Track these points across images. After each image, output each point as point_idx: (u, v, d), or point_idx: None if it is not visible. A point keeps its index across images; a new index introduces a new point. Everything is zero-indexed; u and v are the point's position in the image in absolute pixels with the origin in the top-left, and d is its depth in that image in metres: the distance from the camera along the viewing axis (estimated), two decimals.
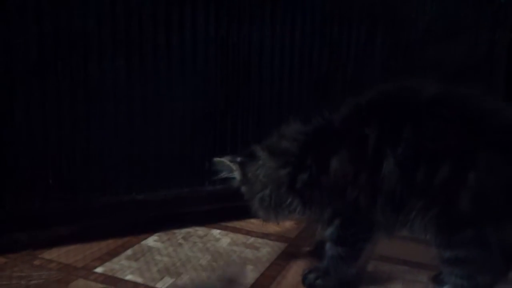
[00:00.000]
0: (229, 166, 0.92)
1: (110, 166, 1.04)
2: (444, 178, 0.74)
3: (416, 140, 0.76)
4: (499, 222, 0.75)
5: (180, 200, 1.13)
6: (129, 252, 1.01)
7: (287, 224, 1.19)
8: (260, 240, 1.09)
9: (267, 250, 1.03)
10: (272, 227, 1.16)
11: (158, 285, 0.87)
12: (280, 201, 0.88)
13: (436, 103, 0.77)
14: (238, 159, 0.92)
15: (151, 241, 1.07)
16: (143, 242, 1.06)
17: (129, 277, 0.90)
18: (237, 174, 0.92)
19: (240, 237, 1.10)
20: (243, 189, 0.92)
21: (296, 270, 0.94)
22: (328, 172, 0.82)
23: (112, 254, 0.99)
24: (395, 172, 0.76)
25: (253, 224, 1.19)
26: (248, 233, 1.13)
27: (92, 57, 0.98)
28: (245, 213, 1.22)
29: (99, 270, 0.92)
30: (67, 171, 1.00)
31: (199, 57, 1.07)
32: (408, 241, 1.07)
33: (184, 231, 1.13)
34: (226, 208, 1.23)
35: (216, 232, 1.13)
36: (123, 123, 1.04)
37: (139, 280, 0.88)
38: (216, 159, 0.93)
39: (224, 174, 0.94)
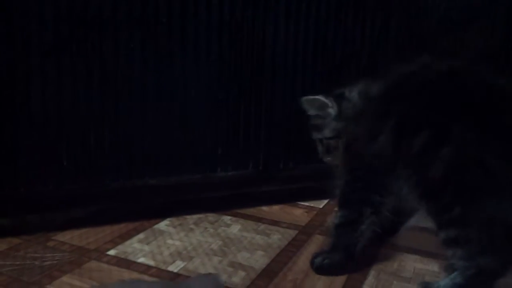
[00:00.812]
0: (323, 103, 0.98)
1: (123, 150, 1.05)
2: (420, 149, 0.75)
3: (405, 111, 0.79)
4: (480, 200, 0.73)
5: (192, 186, 1.14)
6: (141, 235, 1.02)
7: (298, 212, 1.19)
8: (271, 227, 1.09)
9: (277, 236, 1.04)
10: (283, 215, 1.17)
11: (170, 268, 0.87)
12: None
13: (435, 78, 0.81)
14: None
15: (163, 225, 1.08)
16: (155, 227, 1.07)
17: (141, 259, 0.90)
18: (333, 110, 0.98)
19: (251, 224, 1.11)
20: (335, 125, 0.98)
21: (306, 256, 0.94)
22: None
23: (125, 237, 1.00)
24: (388, 140, 0.80)
25: (264, 211, 1.19)
26: (259, 220, 1.13)
27: (107, 40, 0.98)
28: (256, 200, 1.24)
29: (111, 252, 0.93)
30: (82, 154, 1.01)
31: (213, 42, 1.07)
32: (419, 231, 1.07)
33: (195, 216, 1.14)
34: (238, 195, 1.24)
35: (227, 218, 1.14)
36: (137, 108, 1.04)
37: (151, 263, 0.89)
38: (306, 97, 1.00)
39: (312, 112, 1.01)
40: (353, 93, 0.98)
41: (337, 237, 0.89)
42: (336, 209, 0.92)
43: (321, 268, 0.88)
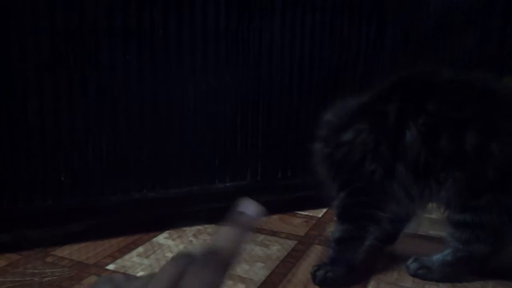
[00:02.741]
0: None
1: (121, 164, 1.05)
2: (470, 146, 0.80)
3: (438, 111, 0.82)
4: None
5: (191, 198, 1.14)
6: (140, 249, 1.02)
7: (297, 222, 1.19)
8: (270, 237, 1.09)
9: (277, 247, 1.04)
10: (281, 225, 1.17)
11: None
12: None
13: (454, 82, 0.85)
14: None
15: (162, 238, 1.08)
16: (154, 240, 1.07)
17: (140, 274, 0.90)
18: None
19: (250, 235, 1.10)
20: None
21: (306, 267, 0.94)
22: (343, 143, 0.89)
23: (124, 251, 1.00)
24: (417, 140, 0.82)
25: (262, 221, 1.19)
26: (258, 230, 1.13)
27: (103, 52, 0.99)
28: None
29: (110, 267, 0.93)
30: (79, 168, 1.01)
31: (210, 52, 1.08)
32: (418, 239, 1.07)
33: (194, 228, 1.14)
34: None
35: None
36: (135, 120, 1.04)
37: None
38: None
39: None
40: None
41: (338, 252, 0.89)
42: (336, 220, 0.92)
43: (324, 281, 0.88)
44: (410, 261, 0.92)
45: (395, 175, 0.85)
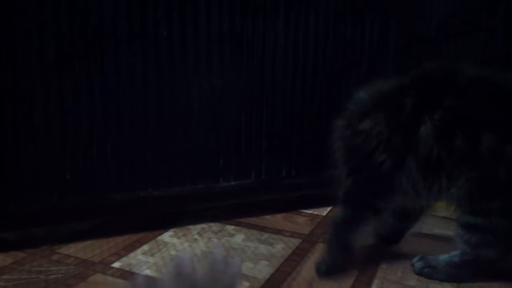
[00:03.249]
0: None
1: (126, 162, 1.05)
2: (486, 148, 0.79)
3: (456, 108, 0.82)
4: None
5: (195, 196, 1.14)
6: (145, 247, 1.02)
7: (301, 220, 1.20)
8: (274, 236, 1.10)
9: (281, 246, 1.04)
10: (286, 224, 1.17)
11: None
12: None
13: (476, 80, 0.84)
14: None
15: (167, 236, 1.08)
16: (159, 238, 1.07)
17: (145, 272, 0.91)
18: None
19: (255, 233, 1.11)
20: None
21: (310, 266, 0.94)
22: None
23: (129, 249, 1.01)
24: (431, 135, 0.82)
25: (267, 220, 1.19)
26: (263, 229, 1.14)
27: (108, 54, 0.99)
28: (259, 209, 1.24)
29: (116, 265, 0.94)
30: (85, 167, 1.02)
31: (214, 53, 1.08)
32: (423, 238, 1.07)
33: (199, 226, 1.14)
34: (240, 204, 1.24)
35: (230, 228, 1.14)
36: (139, 120, 1.05)
37: (156, 275, 0.90)
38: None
39: None
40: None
41: (335, 234, 0.92)
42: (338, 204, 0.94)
43: (326, 272, 0.90)
44: (415, 259, 0.92)
45: (404, 168, 0.85)
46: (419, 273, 0.90)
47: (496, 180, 0.79)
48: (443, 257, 0.89)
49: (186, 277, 0.50)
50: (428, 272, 0.90)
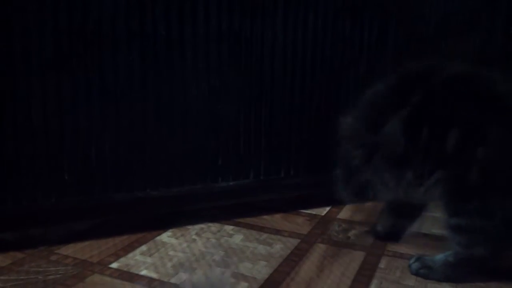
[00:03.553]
0: None
1: (124, 162, 1.05)
2: (451, 147, 0.79)
3: (424, 106, 0.83)
4: (504, 197, 0.79)
5: (194, 197, 1.14)
6: (143, 247, 1.02)
7: (300, 220, 1.20)
8: (273, 236, 1.09)
9: (280, 246, 1.04)
10: (285, 224, 1.17)
11: (173, 280, 0.88)
12: None
13: (453, 78, 0.84)
14: None
15: (165, 237, 1.08)
16: (157, 238, 1.07)
17: (144, 272, 0.91)
18: None
19: (253, 233, 1.11)
20: None
21: (309, 266, 0.94)
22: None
23: (127, 250, 1.00)
24: (398, 131, 0.83)
25: (266, 220, 1.19)
26: (261, 229, 1.14)
27: (107, 54, 0.99)
28: (258, 209, 1.24)
29: (114, 265, 0.93)
30: (83, 167, 1.02)
31: (212, 52, 1.08)
32: (422, 237, 1.07)
33: (197, 227, 1.14)
34: (239, 204, 1.24)
35: (229, 228, 1.14)
36: (138, 120, 1.05)
37: (154, 275, 0.89)
38: None
39: None
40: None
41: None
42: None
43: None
44: (412, 260, 0.92)
45: (372, 162, 0.89)
46: (416, 273, 0.90)
47: (467, 181, 0.79)
48: (439, 257, 0.89)
49: None
50: (425, 272, 0.89)
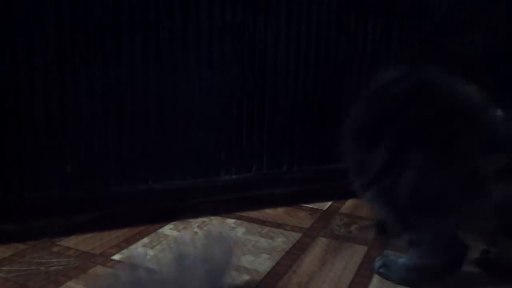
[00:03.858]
0: None
1: (127, 155, 1.05)
2: (381, 167, 0.81)
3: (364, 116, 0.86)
4: (434, 217, 0.80)
5: (196, 190, 1.14)
6: (145, 240, 1.02)
7: (302, 214, 1.20)
8: (275, 229, 1.09)
9: (282, 239, 1.04)
10: (287, 218, 1.17)
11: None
12: None
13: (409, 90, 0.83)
14: None
15: (167, 229, 1.08)
16: (160, 231, 1.07)
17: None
18: None
19: (255, 227, 1.11)
20: None
21: (311, 259, 0.94)
22: None
23: (129, 242, 1.01)
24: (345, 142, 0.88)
25: (268, 214, 1.19)
26: (263, 222, 1.14)
27: (109, 46, 0.99)
28: (260, 202, 1.24)
29: (116, 257, 0.94)
30: (85, 159, 1.02)
31: (215, 46, 1.08)
32: None
33: (199, 220, 1.14)
34: (241, 198, 1.24)
35: (231, 221, 1.14)
36: (140, 113, 1.04)
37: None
38: None
39: None
40: None
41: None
42: None
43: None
44: (377, 258, 0.91)
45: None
46: (377, 272, 0.89)
47: (399, 194, 0.79)
48: (402, 259, 0.87)
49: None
50: (383, 272, 0.88)
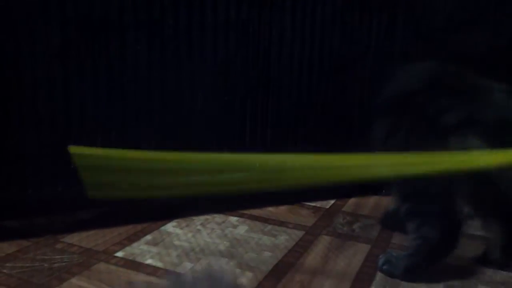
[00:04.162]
0: None
1: None
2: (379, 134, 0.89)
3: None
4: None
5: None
6: (148, 237, 1.02)
7: (304, 212, 1.20)
8: (277, 227, 1.10)
9: (284, 237, 1.04)
10: (289, 216, 1.17)
11: (178, 269, 0.88)
12: None
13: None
14: None
15: (170, 227, 1.08)
16: (162, 228, 1.07)
17: (149, 261, 0.91)
18: None
19: (258, 225, 1.11)
20: None
21: (313, 257, 0.94)
22: None
23: (132, 239, 1.01)
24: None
25: (270, 212, 1.19)
26: (266, 220, 1.14)
27: (114, 42, 0.99)
28: (263, 200, 1.24)
29: (119, 254, 0.94)
30: None
31: (220, 43, 1.08)
32: None
33: (202, 217, 1.14)
34: (244, 196, 1.24)
35: (233, 219, 1.14)
36: (143, 109, 1.05)
37: (159, 264, 0.90)
38: None
39: None
40: None
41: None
42: None
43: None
44: (381, 255, 0.91)
45: None
46: (381, 269, 0.89)
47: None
48: (403, 253, 0.88)
49: None
50: (387, 268, 0.88)
